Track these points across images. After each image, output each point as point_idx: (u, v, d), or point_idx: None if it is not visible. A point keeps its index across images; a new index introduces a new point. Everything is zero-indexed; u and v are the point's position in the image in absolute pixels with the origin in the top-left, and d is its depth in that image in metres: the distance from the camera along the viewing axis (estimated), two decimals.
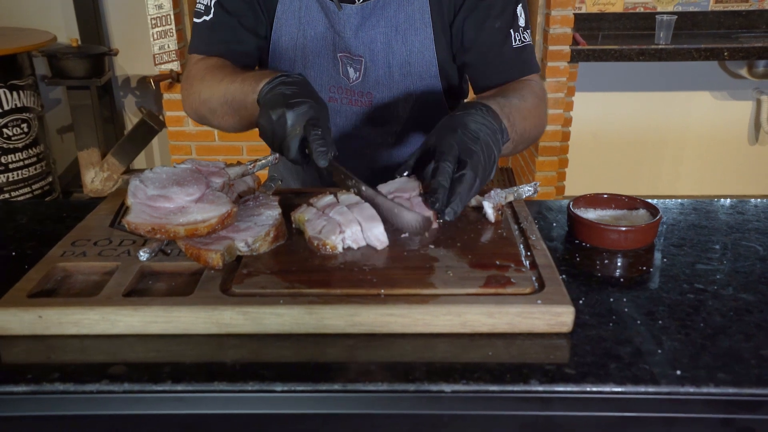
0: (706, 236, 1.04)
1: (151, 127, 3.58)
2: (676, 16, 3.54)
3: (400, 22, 1.21)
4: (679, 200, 1.17)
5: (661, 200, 1.14)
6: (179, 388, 0.71)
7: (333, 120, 1.29)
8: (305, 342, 0.77)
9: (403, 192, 0.98)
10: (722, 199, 1.17)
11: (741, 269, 0.93)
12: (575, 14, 3.80)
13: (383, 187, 0.99)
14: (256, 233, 0.88)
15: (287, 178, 1.46)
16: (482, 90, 1.26)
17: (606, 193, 1.06)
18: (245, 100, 1.06)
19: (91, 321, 0.77)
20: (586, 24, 3.85)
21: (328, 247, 0.89)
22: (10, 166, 3.37)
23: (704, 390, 0.69)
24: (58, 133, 4.05)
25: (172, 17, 3.14)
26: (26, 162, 3.43)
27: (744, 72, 3.87)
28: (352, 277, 0.83)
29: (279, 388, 0.70)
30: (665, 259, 0.97)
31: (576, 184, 3.79)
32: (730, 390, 0.69)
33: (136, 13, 3.72)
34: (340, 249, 0.89)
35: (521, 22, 1.22)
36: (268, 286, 0.81)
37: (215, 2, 1.24)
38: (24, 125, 3.38)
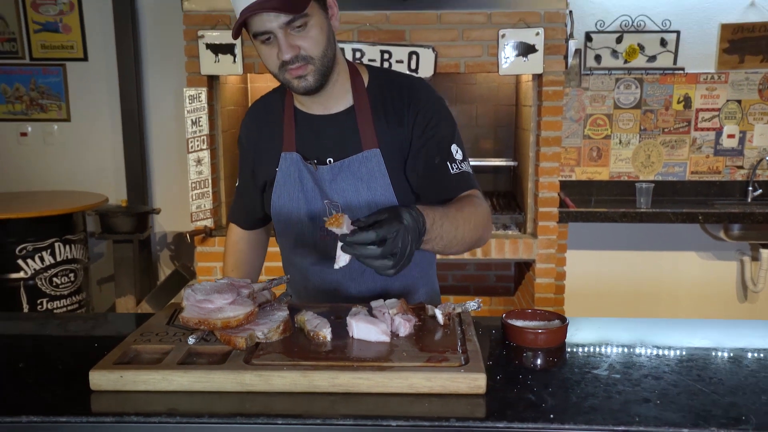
0: (604, 341, 1.39)
1: (183, 276, 4.00)
2: (654, 184, 3.98)
3: (363, 174, 1.61)
4: (590, 318, 1.53)
5: (575, 318, 1.50)
6: (213, 421, 1.05)
7: (327, 253, 1.67)
8: (300, 397, 1.12)
9: (383, 308, 1.35)
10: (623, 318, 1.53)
11: (621, 359, 1.28)
12: (568, 181, 4.27)
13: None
14: (270, 326, 1.26)
15: (294, 294, 1.85)
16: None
17: (530, 309, 1.43)
18: None
19: (155, 380, 1.13)
20: (577, 189, 4.30)
21: (320, 337, 1.26)
22: (55, 311, 3.72)
23: (567, 426, 1.02)
24: (98, 284, 4.48)
25: (210, 181, 3.57)
26: (69, 308, 3.81)
27: (721, 234, 4.21)
28: (334, 355, 1.19)
29: (280, 422, 1.05)
30: (568, 355, 1.31)
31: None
32: (584, 427, 1.02)
33: (177, 177, 4.25)
34: (329, 339, 1.26)
35: (457, 156, 1.60)
36: (276, 360, 1.17)
37: (239, 175, 1.83)
38: (71, 275, 3.79)
